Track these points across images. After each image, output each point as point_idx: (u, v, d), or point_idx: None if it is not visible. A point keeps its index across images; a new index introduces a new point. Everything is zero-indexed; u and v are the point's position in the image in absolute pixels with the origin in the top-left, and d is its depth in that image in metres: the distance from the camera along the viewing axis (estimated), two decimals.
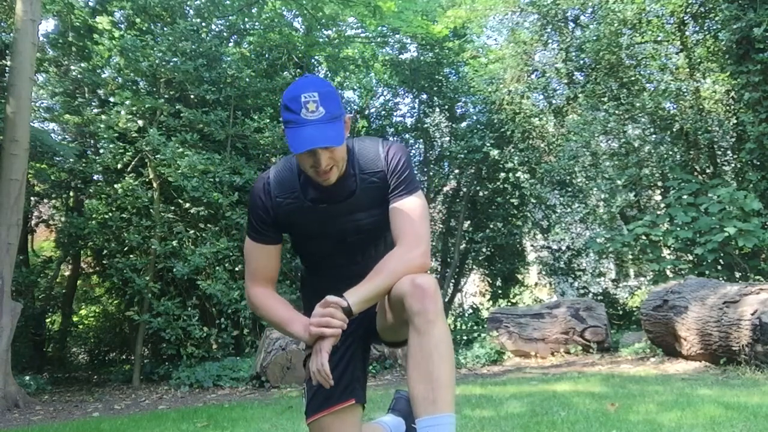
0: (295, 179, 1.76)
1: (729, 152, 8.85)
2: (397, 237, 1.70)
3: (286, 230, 1.83)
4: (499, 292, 11.62)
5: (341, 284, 1.66)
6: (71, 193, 9.60)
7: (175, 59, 8.05)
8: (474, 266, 12.36)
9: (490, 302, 11.49)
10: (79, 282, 10.53)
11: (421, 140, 11.56)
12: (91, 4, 9.04)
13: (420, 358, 1.51)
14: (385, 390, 5.10)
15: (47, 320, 10.07)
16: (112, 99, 8.05)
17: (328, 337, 1.58)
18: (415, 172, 10.24)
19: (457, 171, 11.48)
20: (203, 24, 9.25)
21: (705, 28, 8.59)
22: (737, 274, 7.26)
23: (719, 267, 7.29)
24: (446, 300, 11.34)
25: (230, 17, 9.84)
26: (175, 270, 7.44)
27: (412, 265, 1.62)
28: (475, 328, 9.18)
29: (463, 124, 11.28)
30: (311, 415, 1.84)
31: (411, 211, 1.72)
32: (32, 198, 9.10)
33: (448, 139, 10.93)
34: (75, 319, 11.01)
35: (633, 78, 8.56)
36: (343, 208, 1.76)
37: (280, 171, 1.80)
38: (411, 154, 11.91)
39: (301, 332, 1.66)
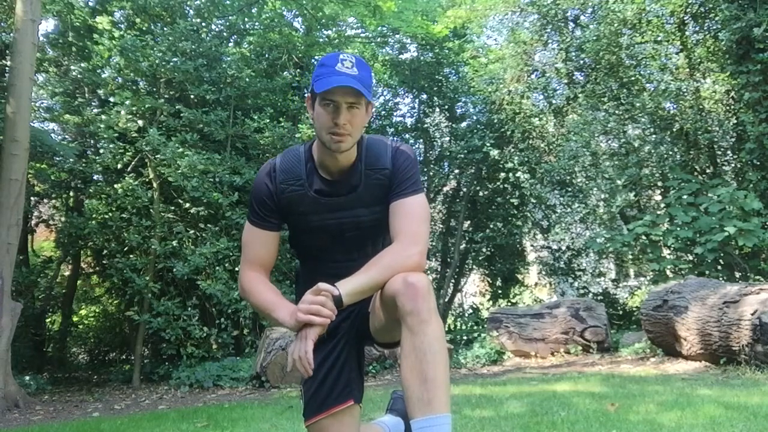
0: (302, 168, 1.77)
1: (729, 152, 8.85)
2: (395, 234, 1.69)
3: (286, 219, 1.82)
4: (499, 292, 11.62)
5: (336, 281, 1.63)
6: (71, 193, 9.59)
7: (175, 59, 8.05)
8: (474, 266, 12.37)
9: (490, 302, 11.49)
10: (79, 282, 10.53)
11: (421, 140, 11.57)
12: (91, 4, 9.04)
13: (414, 359, 1.49)
14: (384, 390, 5.10)
15: (47, 320, 10.07)
16: (112, 99, 8.05)
17: (316, 326, 1.54)
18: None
19: (457, 171, 11.49)
20: (203, 24, 9.25)
21: (705, 28, 8.59)
22: (737, 274, 7.26)
23: (719, 267, 7.29)
24: (446, 300, 11.34)
25: (230, 17, 9.84)
26: (175, 270, 7.44)
27: (407, 263, 1.60)
28: (475, 328, 9.18)
29: (463, 124, 11.28)
30: (310, 417, 1.83)
31: (411, 210, 1.71)
32: (32, 198, 9.09)
33: (448, 139, 10.94)
34: (75, 319, 11.01)
35: (633, 78, 8.56)
36: (345, 202, 1.76)
37: (287, 159, 1.80)
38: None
39: (287, 318, 1.62)
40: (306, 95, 1.74)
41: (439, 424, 1.45)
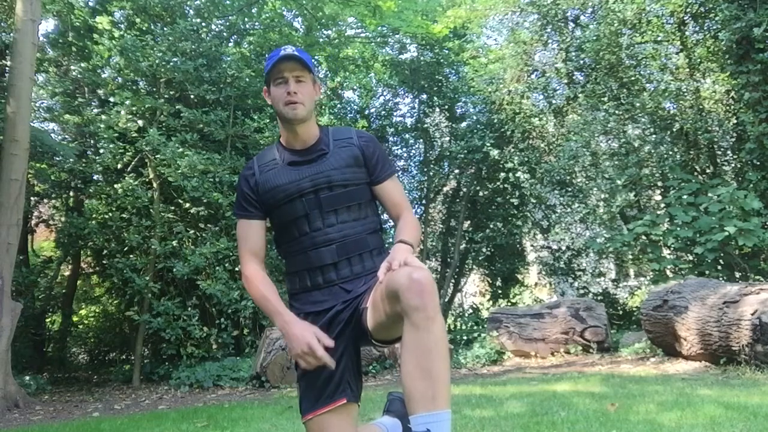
0: (275, 151, 2.01)
1: (729, 152, 8.85)
2: (399, 209, 2.00)
3: (267, 203, 1.96)
4: (499, 292, 11.62)
5: (322, 254, 1.87)
6: (71, 193, 9.60)
7: (175, 59, 8.05)
8: (474, 266, 12.36)
9: (490, 302, 11.49)
10: (79, 282, 10.53)
11: (421, 140, 11.57)
12: (91, 4, 9.05)
13: (419, 355, 1.49)
14: (384, 390, 5.10)
15: (47, 320, 10.07)
16: (112, 99, 8.05)
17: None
18: (414, 171, 10.56)
19: (457, 171, 11.49)
20: (203, 24, 9.25)
21: (705, 28, 8.59)
22: (737, 274, 7.25)
23: (719, 267, 7.29)
24: (446, 300, 11.34)
25: (230, 17, 9.84)
26: (175, 270, 7.44)
27: (416, 221, 1.98)
28: (475, 328, 9.18)
29: (463, 124, 11.28)
30: (305, 414, 1.87)
31: (399, 188, 2.05)
32: (32, 198, 9.10)
33: (448, 139, 10.94)
34: (75, 319, 11.01)
35: (633, 78, 8.55)
36: (317, 166, 1.94)
37: (263, 151, 2.08)
38: (411, 154, 12.04)
39: (280, 327, 1.89)
40: (263, 89, 2.01)
41: (442, 420, 1.47)
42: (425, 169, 11.45)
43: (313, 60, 1.99)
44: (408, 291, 1.51)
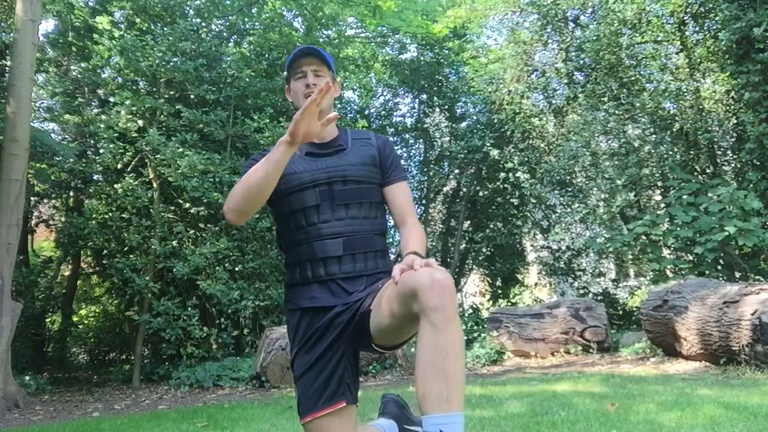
0: None
1: (729, 152, 8.85)
2: (405, 214, 1.99)
3: (279, 187, 1.87)
4: (499, 292, 11.62)
5: (328, 246, 1.86)
6: (71, 193, 9.60)
7: (175, 59, 8.05)
8: (474, 266, 12.36)
9: (490, 302, 11.49)
10: (79, 282, 10.53)
11: (421, 140, 11.57)
12: (91, 4, 9.05)
13: (436, 355, 1.48)
14: (385, 390, 5.10)
15: (47, 320, 10.07)
16: (112, 99, 8.06)
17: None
18: (414, 171, 10.55)
19: (457, 171, 11.49)
20: (203, 24, 9.25)
21: (705, 28, 8.59)
22: (737, 274, 7.26)
23: (719, 267, 7.29)
24: None
25: (230, 17, 9.84)
26: (175, 270, 7.44)
27: (423, 233, 1.95)
28: (475, 328, 9.17)
29: (463, 124, 11.29)
30: (304, 416, 1.86)
31: (408, 194, 2.05)
32: (32, 198, 9.10)
33: (448, 139, 10.95)
34: (75, 319, 11.01)
35: (633, 78, 8.56)
36: (334, 160, 1.97)
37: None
38: (411, 154, 12.04)
39: (281, 140, 1.75)
40: (285, 87, 2.09)
41: (456, 422, 1.46)
42: (425, 169, 11.46)
43: (333, 59, 2.07)
44: (429, 290, 1.50)
